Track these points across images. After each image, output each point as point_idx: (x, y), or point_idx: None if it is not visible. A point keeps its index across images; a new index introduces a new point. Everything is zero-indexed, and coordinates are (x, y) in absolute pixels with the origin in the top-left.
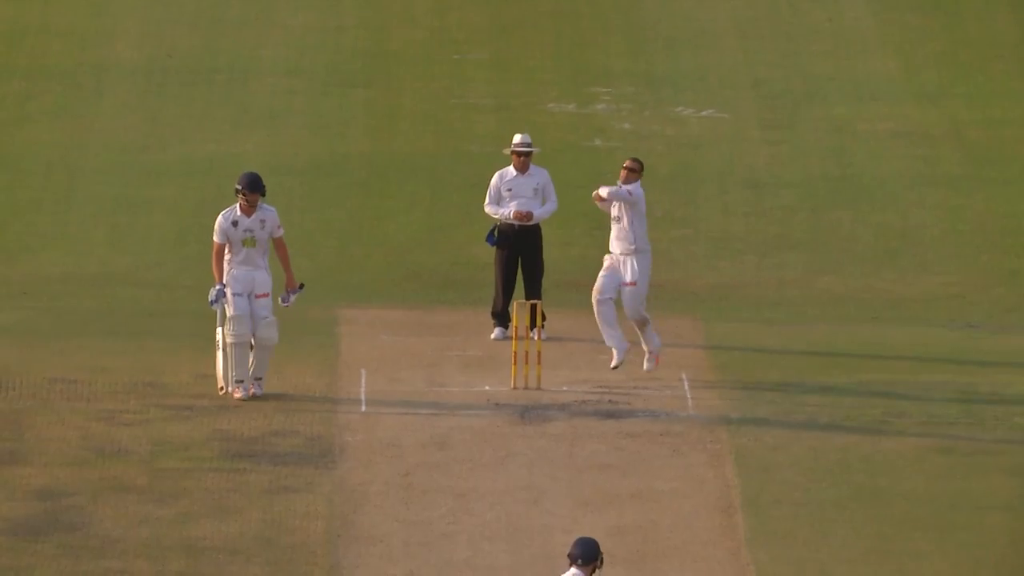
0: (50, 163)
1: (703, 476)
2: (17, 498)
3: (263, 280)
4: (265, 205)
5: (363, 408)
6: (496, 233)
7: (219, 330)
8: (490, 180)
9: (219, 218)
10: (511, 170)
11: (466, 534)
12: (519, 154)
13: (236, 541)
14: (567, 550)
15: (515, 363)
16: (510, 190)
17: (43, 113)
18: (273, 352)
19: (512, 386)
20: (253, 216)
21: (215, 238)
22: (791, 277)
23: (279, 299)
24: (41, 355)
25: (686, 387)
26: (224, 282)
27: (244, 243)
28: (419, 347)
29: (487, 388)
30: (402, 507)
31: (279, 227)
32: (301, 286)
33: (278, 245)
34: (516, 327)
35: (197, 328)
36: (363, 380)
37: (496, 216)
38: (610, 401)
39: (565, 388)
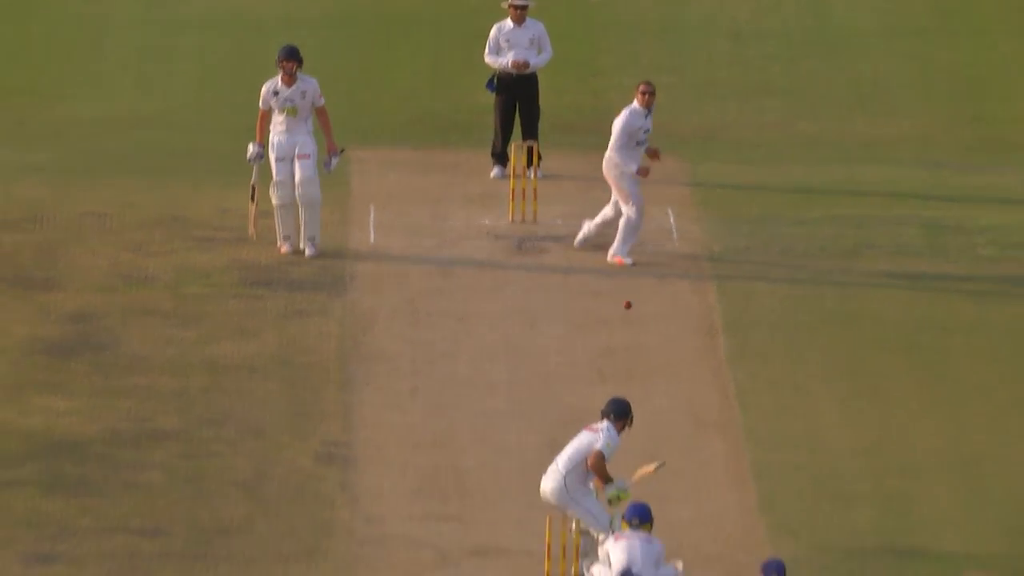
0: (81, 15)
1: (687, 301)
2: (53, 321)
3: (304, 142)
4: (306, 76)
5: (372, 240)
6: (495, 80)
7: (253, 185)
8: (489, 32)
9: (264, 87)
10: (509, 23)
11: (467, 354)
12: (516, 7)
13: (255, 360)
14: (560, 369)
15: (513, 199)
16: (508, 41)
17: None
18: (319, 210)
19: (510, 220)
20: (294, 87)
21: (260, 105)
22: (770, 121)
23: (322, 165)
24: (74, 192)
25: (672, 221)
26: (262, 144)
27: (285, 112)
28: (424, 184)
29: (487, 222)
30: (408, 329)
31: (320, 96)
32: (342, 150)
33: (320, 113)
34: (514, 166)
35: (218, 167)
36: (372, 214)
37: (495, 65)
38: (600, 233)
39: (559, 221)
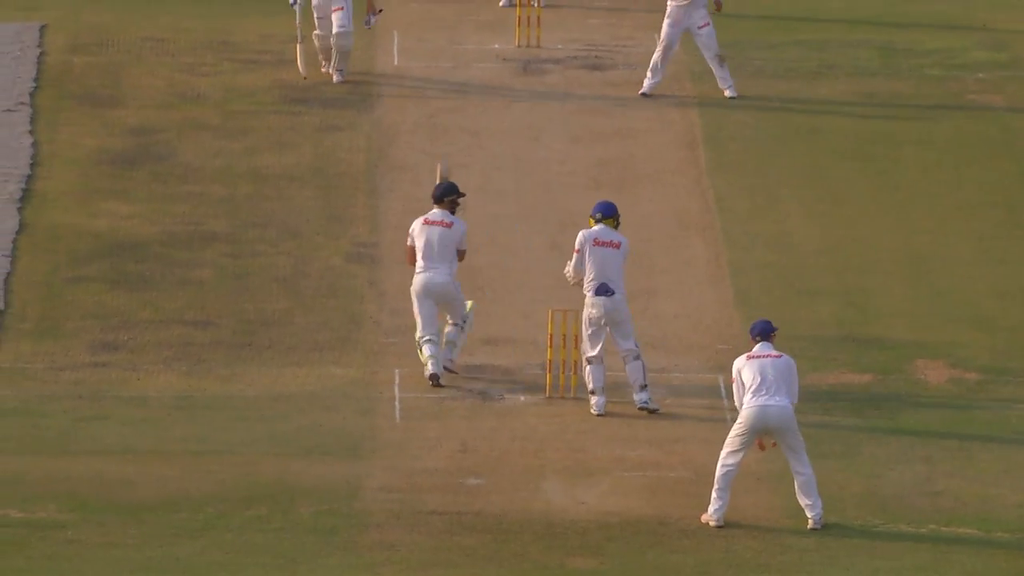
0: None
1: (671, 117)
2: (116, 134)
3: None
4: None
5: (395, 62)
6: None
7: (298, 26)
8: None
9: None
10: None
11: (479, 164)
12: None
13: (293, 169)
14: (561, 178)
15: (519, 25)
16: None
17: None
18: (350, 53)
19: (516, 44)
20: None
21: None
22: None
23: (363, 23)
24: (134, 18)
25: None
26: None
27: None
28: (441, 12)
29: (496, 46)
30: (428, 142)
31: None
32: (380, 10)
33: None
34: None
35: None
36: (395, 39)
37: None
38: (596, 57)
39: (559, 46)
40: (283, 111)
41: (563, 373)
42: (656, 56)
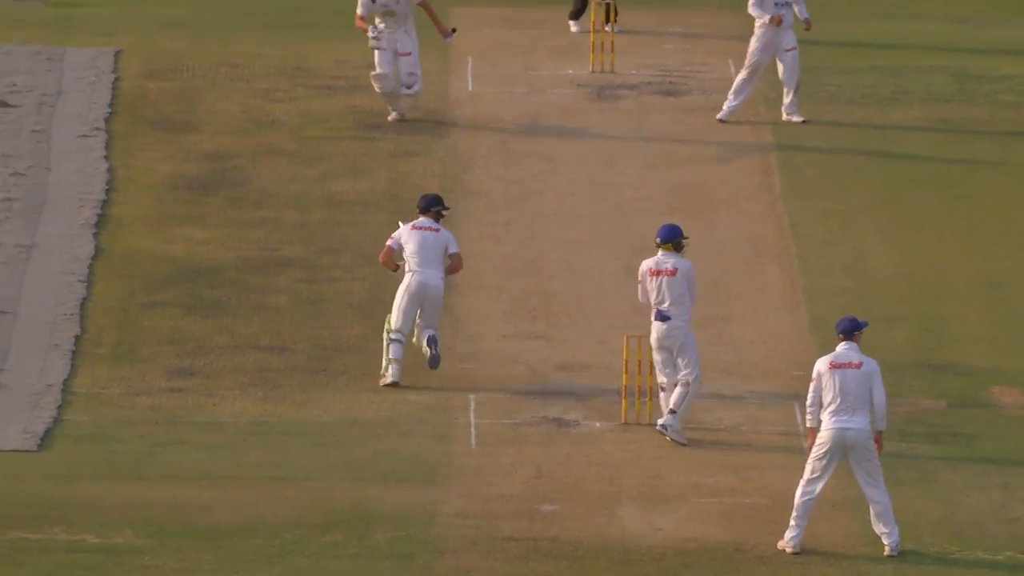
0: None
1: (746, 142)
2: (191, 160)
3: (404, 40)
4: None
5: (470, 88)
6: None
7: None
8: None
9: None
10: None
11: (554, 190)
12: None
13: (368, 195)
14: (635, 203)
15: (593, 51)
16: None
17: None
18: (417, 97)
19: (590, 70)
20: None
21: (359, 11)
22: None
23: (444, 38)
24: (209, 44)
25: (732, 71)
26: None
27: (384, 16)
28: (515, 39)
29: (570, 72)
30: (502, 168)
31: None
32: (453, 30)
33: (423, 6)
34: (594, 22)
35: (336, 22)
36: (470, 65)
37: None
38: (670, 82)
39: (634, 72)
40: (358, 137)
41: (638, 399)
42: (740, 79)
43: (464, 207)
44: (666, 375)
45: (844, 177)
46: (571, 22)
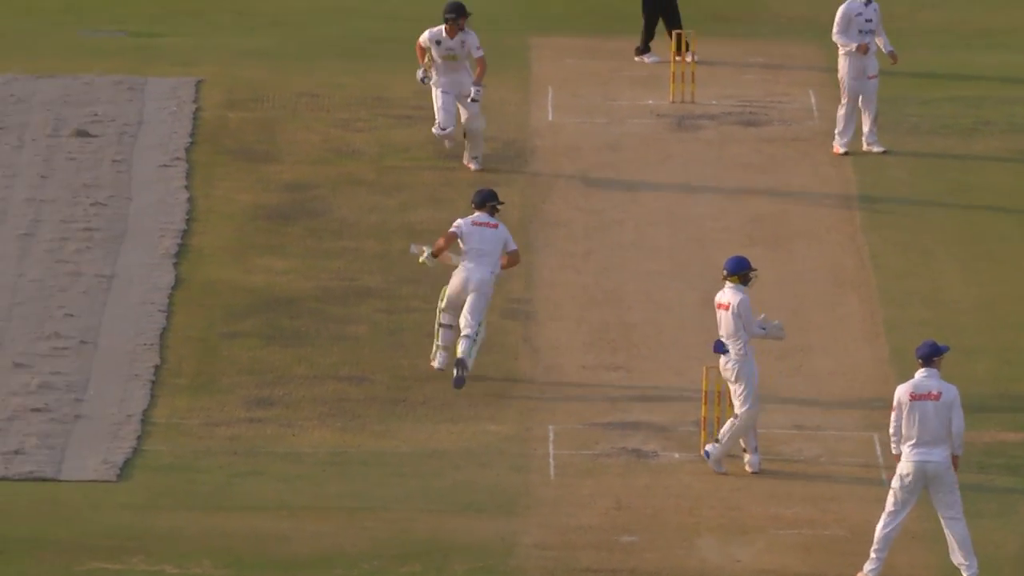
0: None
1: (826, 174)
2: (272, 190)
3: (466, 82)
4: (468, 29)
5: (550, 117)
6: None
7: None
8: None
9: (427, 31)
10: None
11: (633, 220)
12: None
13: (448, 225)
14: (715, 234)
15: (673, 81)
16: None
17: None
18: (482, 136)
19: (671, 100)
20: (456, 38)
21: (419, 40)
22: (899, 11)
23: (419, 78)
24: (289, 74)
25: (813, 101)
26: (428, 75)
27: (444, 59)
28: (595, 68)
29: (650, 102)
30: (581, 198)
31: (478, 48)
32: (483, 86)
33: (478, 62)
34: (673, 52)
35: (414, 53)
36: (550, 95)
37: None
38: (751, 113)
39: (714, 102)
40: (438, 167)
41: (718, 430)
42: (843, 113)
43: (544, 237)
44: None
45: (924, 208)
46: (638, 57)
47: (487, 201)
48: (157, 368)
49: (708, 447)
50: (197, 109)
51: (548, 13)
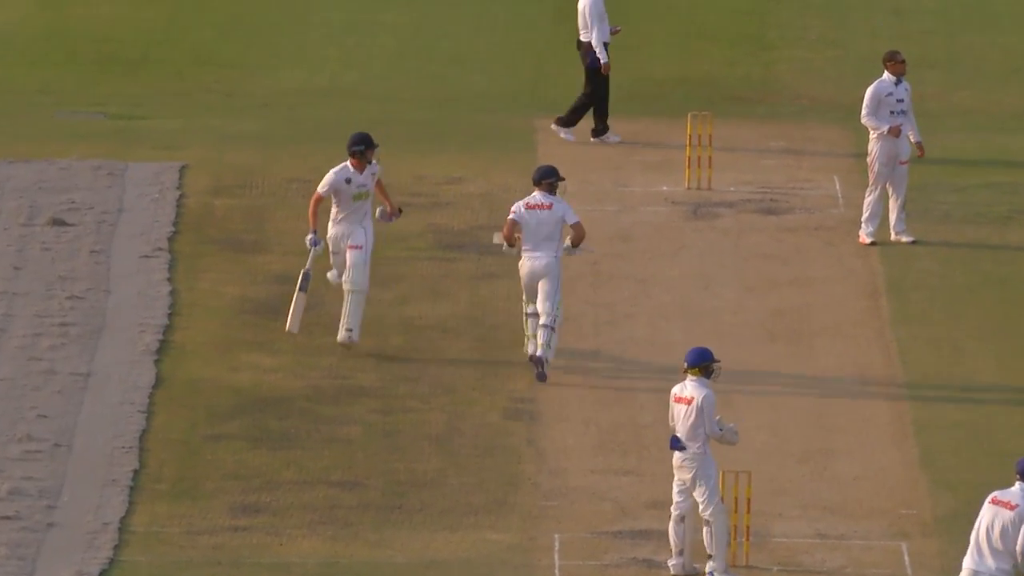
0: None
1: (851, 265)
2: (259, 282)
3: (356, 233)
4: (373, 160)
5: None
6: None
7: (305, 272)
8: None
9: (330, 174)
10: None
11: (646, 315)
12: None
13: (447, 320)
14: (733, 329)
15: (689, 166)
16: None
17: None
18: (364, 299)
19: (686, 186)
20: (366, 171)
21: (319, 189)
22: (930, 92)
23: (377, 214)
24: (280, 158)
25: (838, 187)
26: (316, 230)
27: (355, 198)
28: (607, 152)
29: (665, 188)
30: (591, 291)
31: (381, 172)
32: (400, 210)
33: (378, 185)
34: (690, 136)
35: (413, 135)
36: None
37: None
38: (771, 200)
39: (732, 188)
40: (437, 257)
41: (734, 539)
42: (870, 199)
43: None
44: (680, 507)
45: (956, 301)
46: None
47: (544, 178)
48: (136, 473)
49: (708, 567)
50: (181, 196)
51: (556, 92)
